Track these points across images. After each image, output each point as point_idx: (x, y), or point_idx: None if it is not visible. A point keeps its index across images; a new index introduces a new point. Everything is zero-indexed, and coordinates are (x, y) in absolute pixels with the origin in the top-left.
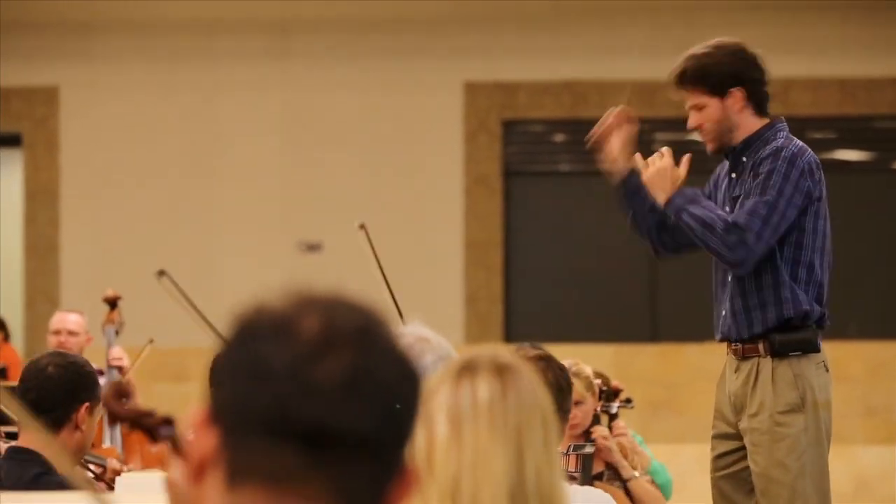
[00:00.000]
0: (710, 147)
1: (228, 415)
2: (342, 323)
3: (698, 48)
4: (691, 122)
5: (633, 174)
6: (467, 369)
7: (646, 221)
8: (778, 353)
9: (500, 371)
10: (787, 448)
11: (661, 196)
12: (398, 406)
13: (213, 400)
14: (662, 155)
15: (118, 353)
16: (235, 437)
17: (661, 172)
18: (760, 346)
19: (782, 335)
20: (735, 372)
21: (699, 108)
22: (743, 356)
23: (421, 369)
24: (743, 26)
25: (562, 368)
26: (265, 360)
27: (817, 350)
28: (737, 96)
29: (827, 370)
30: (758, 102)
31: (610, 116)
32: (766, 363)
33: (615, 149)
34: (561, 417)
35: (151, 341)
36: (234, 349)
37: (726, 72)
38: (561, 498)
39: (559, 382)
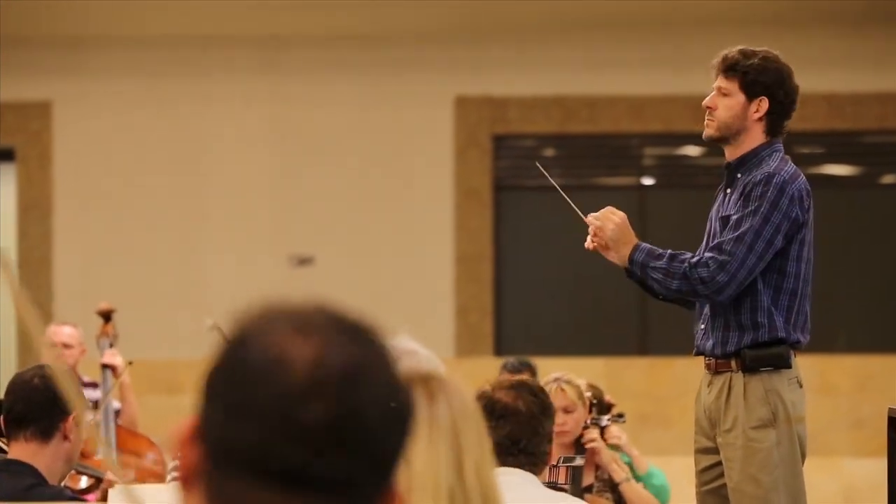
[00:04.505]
0: (708, 131)
1: (213, 443)
2: (332, 360)
3: (755, 48)
4: (708, 101)
5: (632, 265)
6: None
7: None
8: (749, 368)
9: (424, 381)
10: (759, 463)
11: (624, 251)
12: (382, 451)
13: (202, 418)
14: (613, 211)
15: (111, 353)
16: (217, 469)
17: (621, 228)
18: (732, 362)
19: (753, 351)
20: (708, 386)
21: (725, 93)
22: (716, 371)
23: (412, 399)
24: (730, 43)
25: (534, 394)
26: (253, 395)
27: (789, 366)
28: (762, 105)
29: (800, 385)
30: (774, 122)
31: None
32: (738, 378)
33: (612, 257)
34: (542, 441)
35: (131, 363)
36: (224, 370)
37: (767, 80)
38: (499, 496)
39: (531, 410)
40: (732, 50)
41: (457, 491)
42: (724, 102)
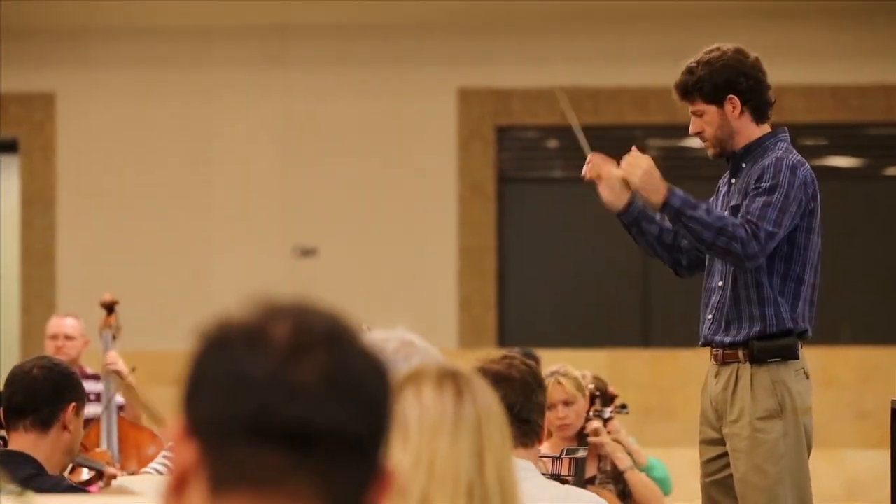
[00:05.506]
0: (710, 152)
1: (210, 425)
2: (311, 327)
3: (696, 57)
4: (692, 128)
5: (631, 207)
6: (412, 380)
7: (656, 247)
8: (757, 359)
9: (453, 377)
10: (765, 454)
11: (656, 197)
12: (374, 401)
13: (191, 412)
14: (638, 154)
15: (113, 358)
16: (219, 446)
17: (650, 173)
18: (740, 353)
19: (761, 342)
20: (715, 377)
21: (699, 114)
22: (723, 362)
23: (391, 367)
24: (736, 33)
25: (526, 364)
26: (242, 368)
27: (796, 357)
28: (734, 103)
29: (807, 377)
30: (756, 108)
31: (589, 163)
32: (746, 369)
33: (604, 193)
34: (535, 409)
35: (134, 370)
36: (207, 361)
37: (721, 80)
38: (519, 496)
39: (524, 378)
40: (678, 77)
41: (476, 486)
42: (704, 121)
